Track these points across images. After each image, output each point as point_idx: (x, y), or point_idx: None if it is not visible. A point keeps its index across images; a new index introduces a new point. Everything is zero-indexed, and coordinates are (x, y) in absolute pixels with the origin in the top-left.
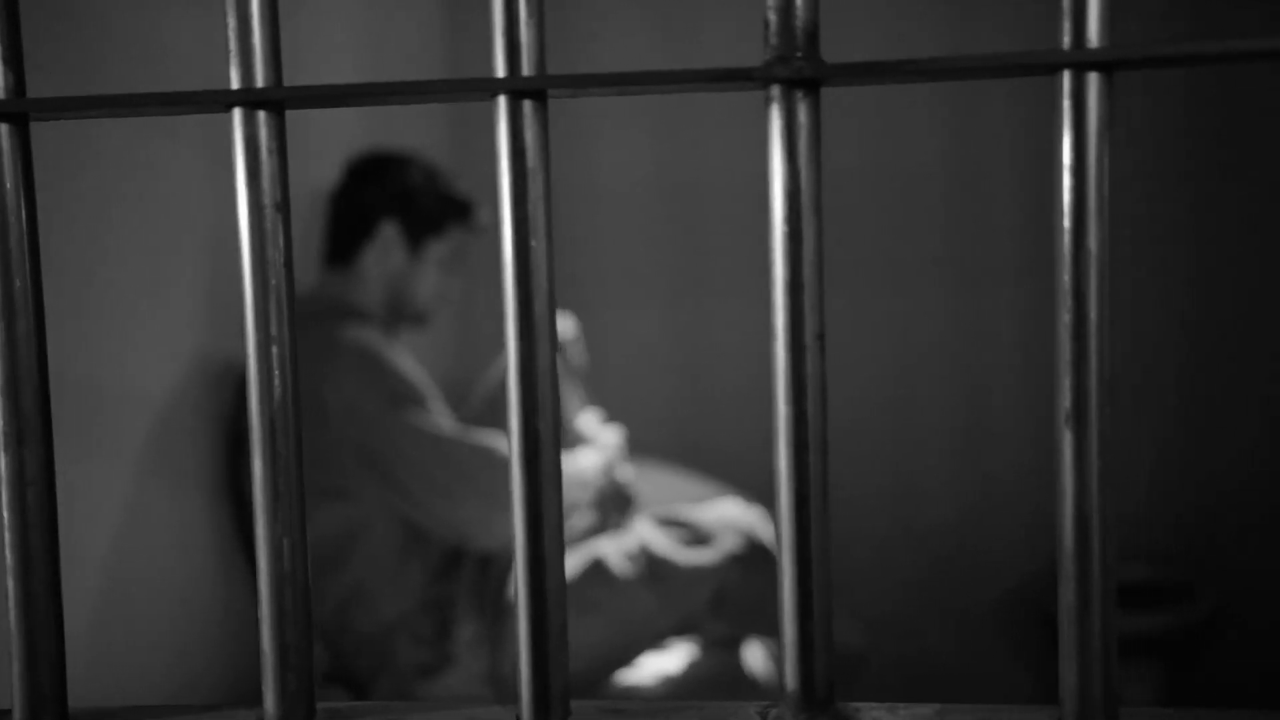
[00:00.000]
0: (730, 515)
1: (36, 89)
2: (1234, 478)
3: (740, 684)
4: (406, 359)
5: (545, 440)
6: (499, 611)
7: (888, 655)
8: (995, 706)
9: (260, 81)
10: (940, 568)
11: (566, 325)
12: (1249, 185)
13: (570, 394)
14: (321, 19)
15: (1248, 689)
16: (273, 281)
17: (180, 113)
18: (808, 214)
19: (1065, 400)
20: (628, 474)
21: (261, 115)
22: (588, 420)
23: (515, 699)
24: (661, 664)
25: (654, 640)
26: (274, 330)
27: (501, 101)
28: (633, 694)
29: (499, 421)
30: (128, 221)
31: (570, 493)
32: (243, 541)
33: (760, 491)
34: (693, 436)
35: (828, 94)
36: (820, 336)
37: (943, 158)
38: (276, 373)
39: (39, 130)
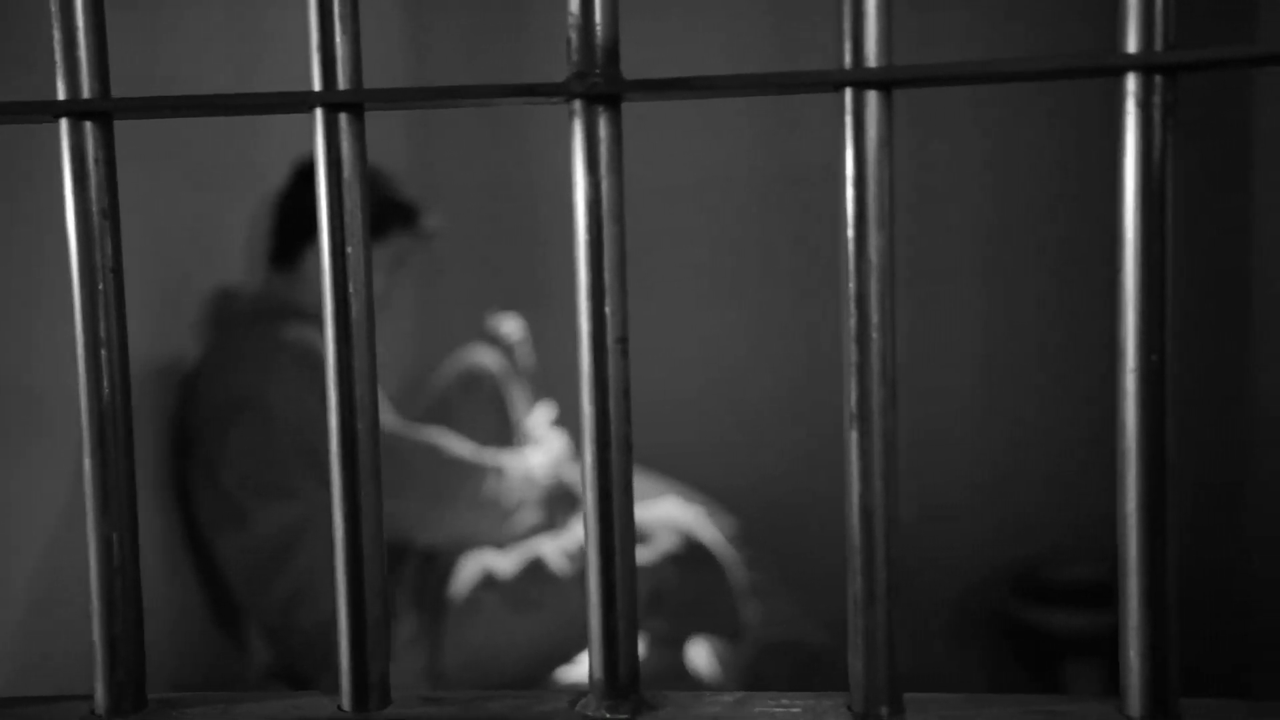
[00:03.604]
0: (668, 514)
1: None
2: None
3: (685, 682)
4: None
5: (364, 440)
6: (439, 609)
7: None
8: (792, 694)
9: (86, 92)
10: (911, 569)
11: (514, 327)
12: (1241, 186)
13: (518, 394)
14: (287, 21)
15: (1215, 687)
16: (100, 286)
17: (6, 122)
18: (609, 223)
19: (850, 401)
20: (573, 474)
21: (88, 125)
22: (536, 420)
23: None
24: None
25: None
26: (102, 333)
27: (318, 115)
28: (574, 690)
29: (448, 420)
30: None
31: (517, 492)
32: (187, 538)
33: (708, 490)
34: (644, 435)
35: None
36: (622, 340)
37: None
38: (105, 375)
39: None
